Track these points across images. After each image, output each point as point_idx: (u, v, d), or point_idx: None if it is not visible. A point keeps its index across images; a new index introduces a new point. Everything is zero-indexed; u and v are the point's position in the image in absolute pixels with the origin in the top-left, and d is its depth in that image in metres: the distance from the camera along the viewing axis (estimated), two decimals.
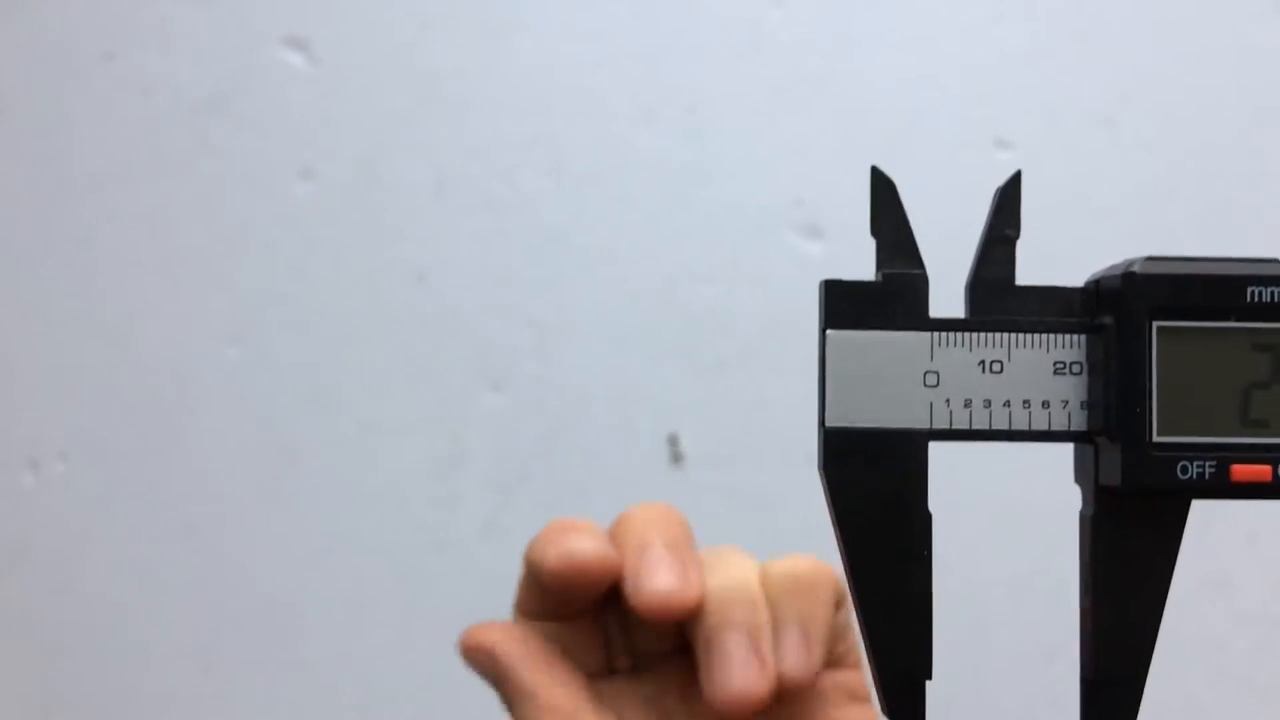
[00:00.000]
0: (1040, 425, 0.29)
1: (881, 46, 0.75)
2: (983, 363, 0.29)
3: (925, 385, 0.29)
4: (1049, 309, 0.30)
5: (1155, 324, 0.29)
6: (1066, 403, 0.29)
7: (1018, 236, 0.30)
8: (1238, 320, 0.29)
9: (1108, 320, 0.29)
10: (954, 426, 0.29)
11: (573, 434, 0.74)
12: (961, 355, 0.29)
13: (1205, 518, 0.80)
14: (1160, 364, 0.29)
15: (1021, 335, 0.29)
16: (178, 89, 0.77)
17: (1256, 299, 0.29)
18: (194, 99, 0.77)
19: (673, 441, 0.73)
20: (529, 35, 0.76)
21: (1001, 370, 0.29)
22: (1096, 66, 0.75)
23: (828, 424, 0.29)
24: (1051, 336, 0.29)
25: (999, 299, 0.30)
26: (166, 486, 0.75)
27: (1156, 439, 0.29)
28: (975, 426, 0.29)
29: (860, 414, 0.29)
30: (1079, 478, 0.31)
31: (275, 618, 0.74)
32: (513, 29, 0.76)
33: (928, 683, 0.29)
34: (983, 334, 0.29)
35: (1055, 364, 0.29)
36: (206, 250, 0.76)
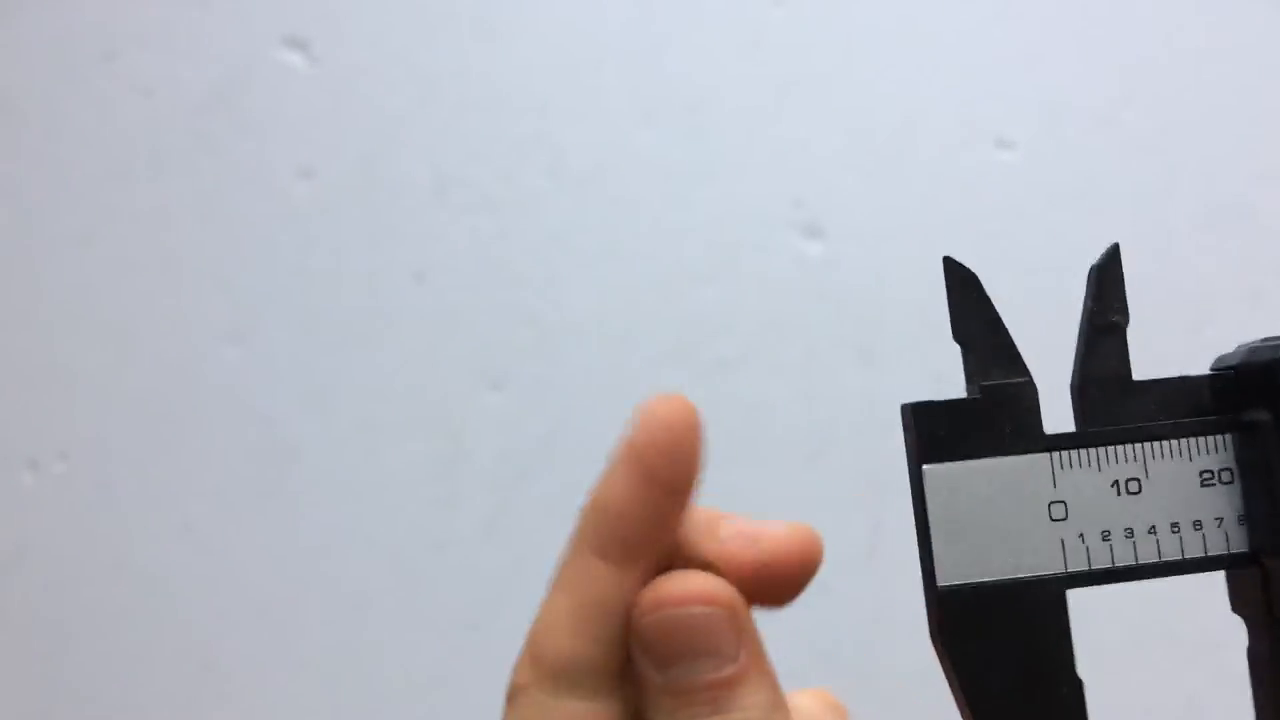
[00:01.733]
0: (1195, 552, 0.25)
1: (881, 46, 0.75)
2: (1116, 483, 0.25)
3: (1052, 519, 0.24)
4: (1177, 407, 0.25)
5: None
6: (1221, 520, 0.25)
7: (1127, 323, 0.25)
8: None
9: (1262, 415, 0.24)
10: (1093, 566, 0.24)
11: (573, 434, 0.74)
12: (1089, 477, 0.24)
13: None
14: None
15: (1158, 444, 0.25)
16: (178, 89, 0.77)
17: None
18: (194, 99, 0.77)
19: None
20: (529, 35, 0.76)
21: (1140, 490, 0.25)
22: (1096, 66, 0.75)
23: (940, 584, 0.24)
24: (1193, 441, 0.25)
25: (1114, 400, 0.25)
26: (166, 486, 0.75)
27: None
28: (1119, 563, 0.24)
29: (980, 567, 0.24)
30: (1239, 607, 0.26)
31: (275, 618, 0.74)
32: (513, 29, 0.76)
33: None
34: (1112, 448, 0.25)
35: (1202, 474, 0.25)
36: (206, 250, 0.76)
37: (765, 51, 0.75)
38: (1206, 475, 0.25)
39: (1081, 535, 0.24)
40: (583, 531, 0.30)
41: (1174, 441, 0.25)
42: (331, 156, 0.76)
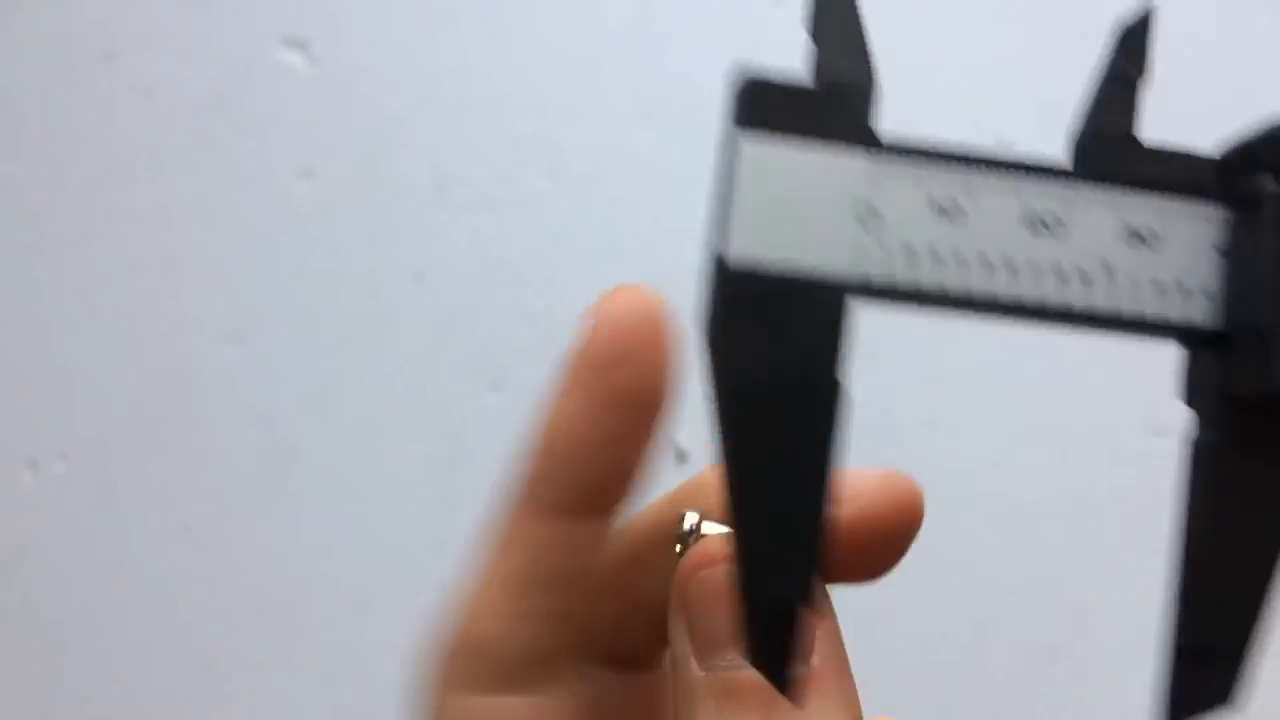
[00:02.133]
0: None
1: (881, 46, 0.75)
2: (934, 203, 0.22)
3: (862, 225, 0.22)
4: (1174, 177, 0.23)
5: None
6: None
7: (1142, 78, 0.23)
8: None
9: (1270, 185, 0.22)
10: (898, 281, 0.22)
11: None
12: (909, 189, 0.22)
13: None
14: None
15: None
16: (178, 89, 0.77)
17: None
18: (194, 99, 0.77)
19: (674, 441, 0.73)
20: (529, 35, 0.76)
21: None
22: (1097, 66, 0.75)
23: (733, 258, 0.22)
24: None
25: (1115, 157, 0.23)
26: (166, 486, 0.75)
27: None
28: (925, 284, 0.22)
29: (773, 251, 0.22)
30: (1191, 395, 0.24)
31: (275, 618, 0.74)
32: (513, 29, 0.76)
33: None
34: (936, 167, 0.22)
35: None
36: (206, 250, 0.76)
37: (765, 51, 0.75)
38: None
39: (884, 245, 0.22)
40: (523, 482, 0.24)
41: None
42: (331, 156, 0.76)
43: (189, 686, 0.74)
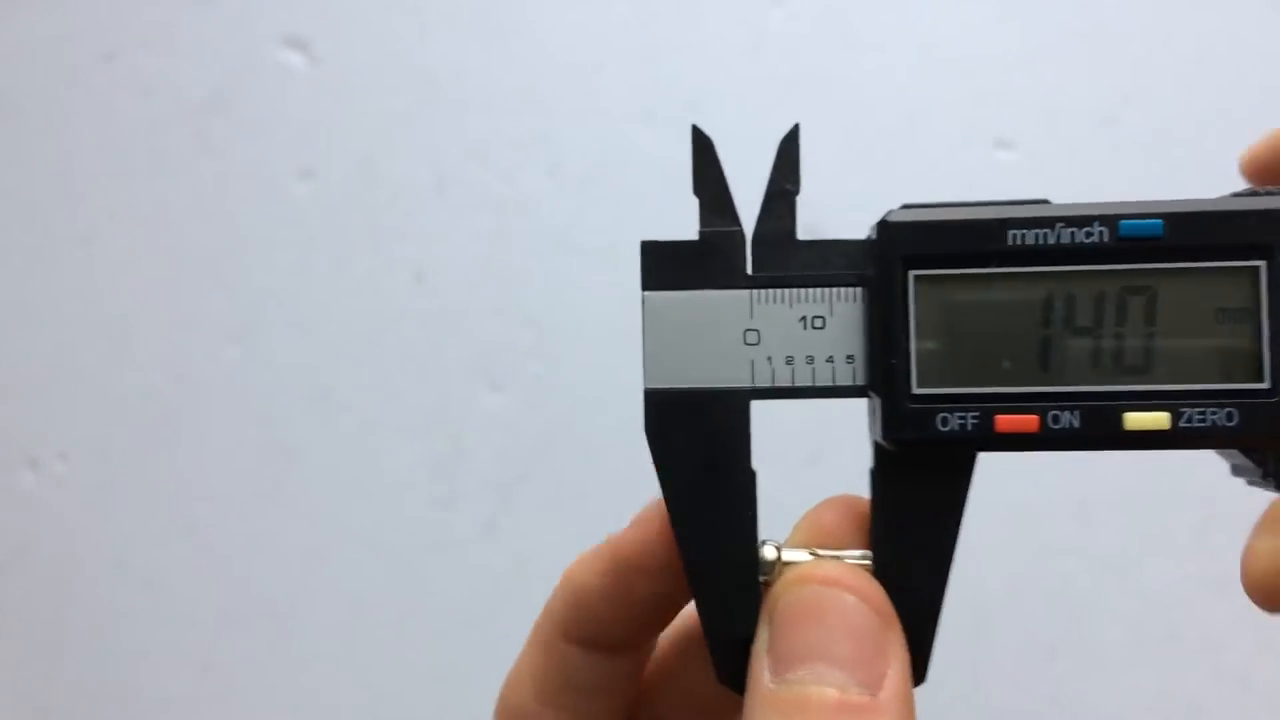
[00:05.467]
0: (845, 380, 0.29)
1: (881, 46, 0.75)
2: (804, 319, 0.29)
3: (746, 344, 0.29)
4: (833, 263, 0.29)
5: (912, 273, 0.27)
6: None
7: (797, 191, 0.30)
8: (999, 266, 0.27)
9: (870, 273, 0.28)
10: (776, 384, 0.29)
11: (573, 434, 0.74)
12: (781, 311, 0.29)
13: (1204, 518, 0.80)
14: (919, 314, 0.27)
15: (839, 290, 0.29)
16: (178, 89, 0.77)
17: (1018, 242, 0.27)
18: (194, 99, 0.77)
19: None
20: (529, 35, 0.76)
21: (824, 326, 0.29)
22: (1096, 66, 0.75)
23: (647, 386, 0.29)
24: (850, 290, 0.29)
25: (782, 253, 0.29)
26: (166, 486, 0.75)
27: (916, 391, 0.27)
28: (798, 383, 0.29)
29: (683, 375, 0.29)
30: (870, 432, 0.30)
31: (275, 618, 0.74)
32: (513, 29, 0.76)
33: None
34: (800, 290, 0.29)
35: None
36: (206, 250, 0.76)
37: (765, 51, 0.75)
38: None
39: (769, 358, 0.29)
40: (551, 605, 0.30)
41: (848, 289, 0.29)
42: (331, 156, 0.76)
43: (189, 686, 0.75)
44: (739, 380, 0.29)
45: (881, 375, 0.28)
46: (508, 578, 0.72)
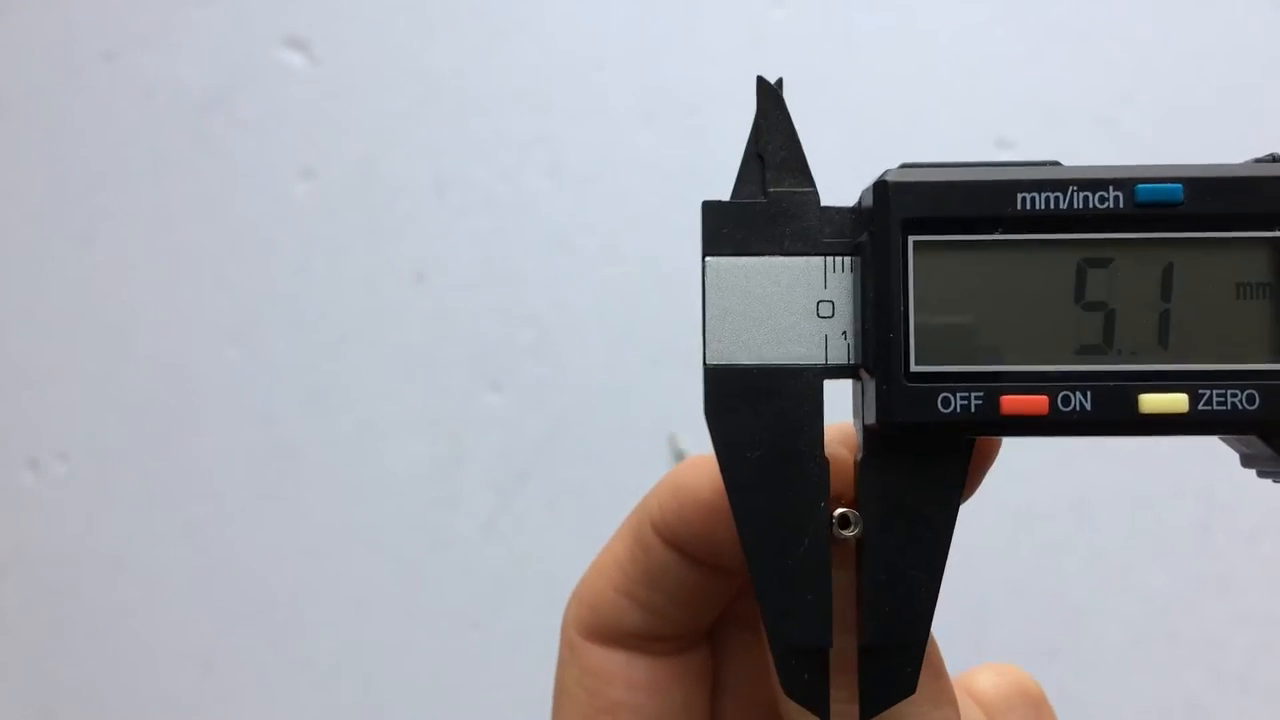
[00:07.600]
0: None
1: (882, 46, 0.75)
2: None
3: (819, 316, 0.26)
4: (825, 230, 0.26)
5: (911, 239, 0.25)
6: (846, 334, 0.26)
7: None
8: (1007, 232, 0.25)
9: (864, 239, 0.25)
10: (852, 361, 0.26)
11: (573, 434, 0.74)
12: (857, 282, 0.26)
13: (1204, 518, 0.80)
14: (918, 285, 0.25)
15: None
16: (178, 89, 0.77)
17: (1028, 207, 0.25)
18: (194, 99, 0.77)
19: (673, 441, 0.73)
20: (529, 35, 0.76)
21: None
22: (1096, 66, 0.75)
23: (708, 362, 0.26)
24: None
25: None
26: (166, 486, 0.75)
27: (914, 369, 0.24)
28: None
29: (745, 351, 0.26)
30: (854, 418, 0.27)
31: (275, 618, 0.74)
32: (513, 29, 0.76)
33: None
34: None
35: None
36: (206, 250, 0.76)
37: (765, 51, 0.75)
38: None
39: (844, 333, 0.26)
40: (651, 503, 0.28)
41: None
42: (331, 156, 0.76)
43: (189, 686, 0.74)
44: (811, 357, 0.26)
45: (876, 351, 0.25)
46: (508, 578, 0.72)
